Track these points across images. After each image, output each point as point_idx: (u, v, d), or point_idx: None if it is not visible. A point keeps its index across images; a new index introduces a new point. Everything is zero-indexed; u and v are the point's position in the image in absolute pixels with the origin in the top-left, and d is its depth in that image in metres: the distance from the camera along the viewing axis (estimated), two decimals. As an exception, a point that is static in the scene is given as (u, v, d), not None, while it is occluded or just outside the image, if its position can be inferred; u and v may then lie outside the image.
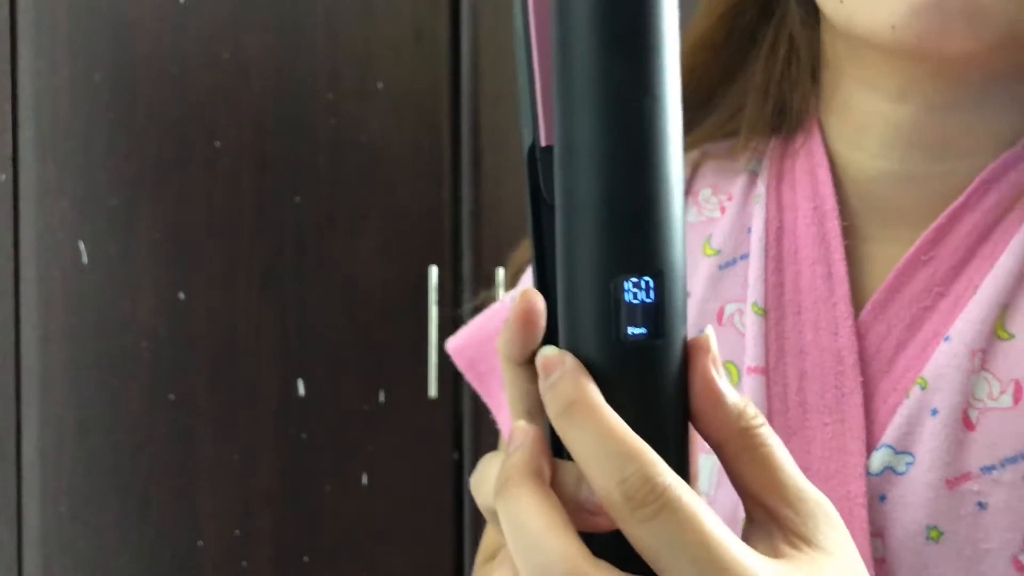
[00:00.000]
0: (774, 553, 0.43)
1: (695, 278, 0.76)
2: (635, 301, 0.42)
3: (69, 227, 1.17)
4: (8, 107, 1.15)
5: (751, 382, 0.71)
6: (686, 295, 0.44)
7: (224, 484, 1.23)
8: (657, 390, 0.43)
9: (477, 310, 0.92)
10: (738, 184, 0.78)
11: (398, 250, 1.26)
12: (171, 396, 1.21)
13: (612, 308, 0.42)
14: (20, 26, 1.16)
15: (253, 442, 1.23)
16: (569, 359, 0.43)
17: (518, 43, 0.47)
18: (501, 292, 0.86)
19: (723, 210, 0.78)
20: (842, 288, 0.71)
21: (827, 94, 0.76)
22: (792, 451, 0.67)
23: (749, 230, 0.76)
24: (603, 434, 0.41)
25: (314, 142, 1.23)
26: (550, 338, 0.45)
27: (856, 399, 0.69)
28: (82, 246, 1.18)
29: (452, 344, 0.88)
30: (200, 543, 1.22)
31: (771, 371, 0.71)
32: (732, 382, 0.72)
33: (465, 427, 1.27)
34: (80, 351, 1.18)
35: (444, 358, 1.23)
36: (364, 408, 1.26)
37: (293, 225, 1.23)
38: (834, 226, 0.73)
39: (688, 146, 0.81)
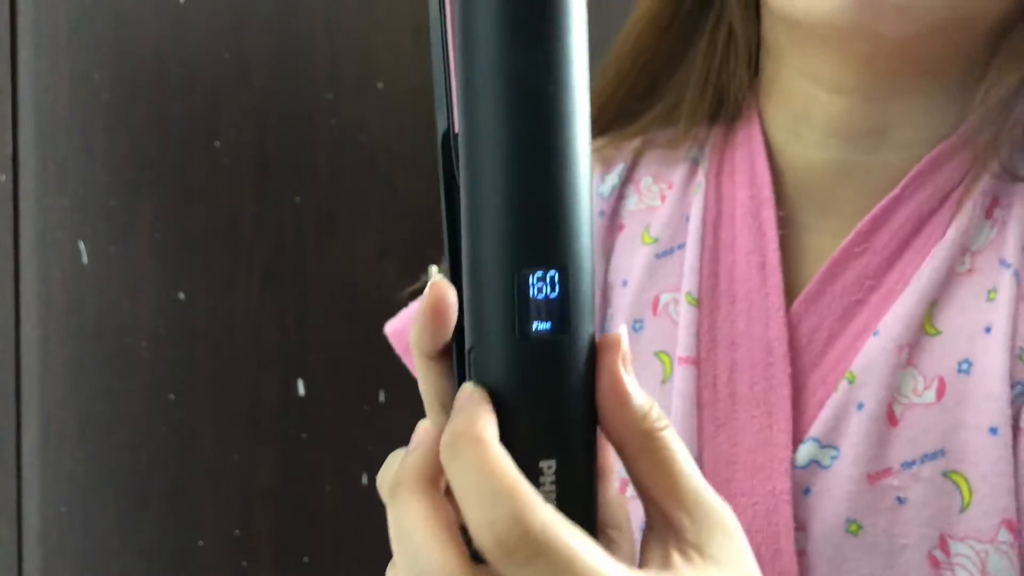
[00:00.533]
0: (665, 563, 0.42)
1: (632, 267, 0.76)
2: (539, 296, 0.41)
3: (69, 227, 1.17)
4: (8, 107, 1.15)
5: (682, 372, 0.70)
6: (594, 290, 0.43)
7: (224, 484, 1.23)
8: (562, 387, 0.42)
9: (415, 294, 0.94)
10: (679, 173, 0.78)
11: (398, 250, 1.26)
12: (171, 396, 1.21)
13: (516, 302, 0.41)
14: (20, 26, 1.16)
15: (253, 442, 1.23)
16: (474, 392, 0.42)
17: (433, 28, 0.46)
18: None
19: (663, 199, 0.78)
20: (775, 278, 0.71)
21: (766, 83, 0.76)
22: (720, 443, 0.69)
23: (688, 219, 0.75)
24: (478, 469, 0.40)
25: (314, 142, 1.23)
26: (461, 331, 0.44)
27: (784, 391, 0.69)
28: (82, 246, 1.18)
29: (390, 327, 0.89)
30: (200, 543, 1.22)
31: (702, 361, 0.71)
32: (665, 372, 0.72)
33: (465, 427, 1.27)
34: (80, 351, 1.18)
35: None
36: (364, 408, 1.26)
37: (293, 225, 1.23)
38: (769, 215, 0.73)
39: (632, 134, 0.81)
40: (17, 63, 1.16)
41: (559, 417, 0.42)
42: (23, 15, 1.16)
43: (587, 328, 0.42)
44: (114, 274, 1.19)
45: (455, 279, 0.45)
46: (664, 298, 0.74)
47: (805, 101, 0.72)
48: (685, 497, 0.43)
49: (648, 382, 0.73)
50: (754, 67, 0.77)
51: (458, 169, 0.44)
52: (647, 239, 0.76)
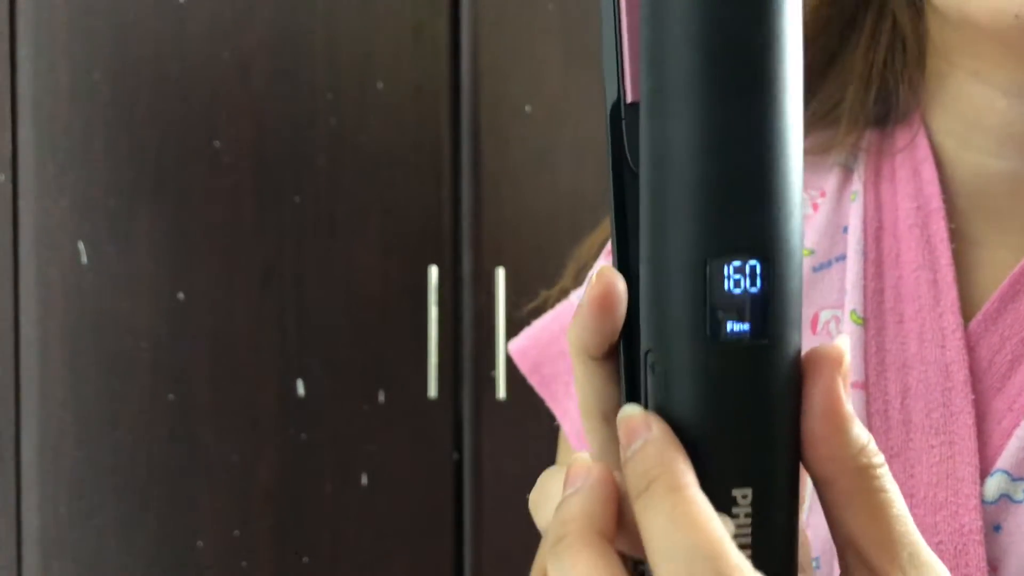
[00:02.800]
0: None
1: None
2: (736, 290, 0.34)
3: (68, 227, 1.17)
4: (7, 107, 1.15)
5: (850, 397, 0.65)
6: (801, 291, 0.36)
7: (224, 484, 1.23)
8: (762, 402, 0.35)
9: (535, 312, 0.85)
10: (831, 180, 0.71)
11: (398, 250, 1.26)
12: (171, 396, 1.20)
13: (707, 297, 0.34)
14: (19, 26, 1.16)
15: (253, 442, 1.23)
16: (656, 425, 0.36)
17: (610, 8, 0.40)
18: (573, 293, 0.80)
19: (815, 207, 0.71)
20: (950, 296, 0.65)
21: (933, 86, 0.70)
22: (894, 475, 0.60)
23: (845, 229, 0.69)
24: (678, 522, 0.35)
25: (314, 142, 1.23)
26: (630, 330, 0.38)
27: (967, 419, 0.62)
28: (81, 246, 1.18)
29: (515, 346, 0.80)
30: (200, 543, 1.22)
31: (871, 386, 0.64)
32: None
33: (465, 427, 1.27)
34: (79, 351, 1.18)
35: (443, 358, 1.23)
36: (364, 408, 1.25)
37: (293, 225, 1.23)
38: (940, 228, 0.67)
39: None
40: (16, 63, 1.16)
41: (759, 438, 0.35)
42: (23, 15, 1.16)
43: (794, 334, 0.36)
44: (114, 274, 1.19)
45: (623, 270, 0.38)
46: (824, 315, 0.68)
47: (978, 105, 0.66)
48: (900, 550, 0.37)
49: None
50: (922, 66, 0.70)
51: (629, 143, 0.38)
52: (803, 251, 0.71)
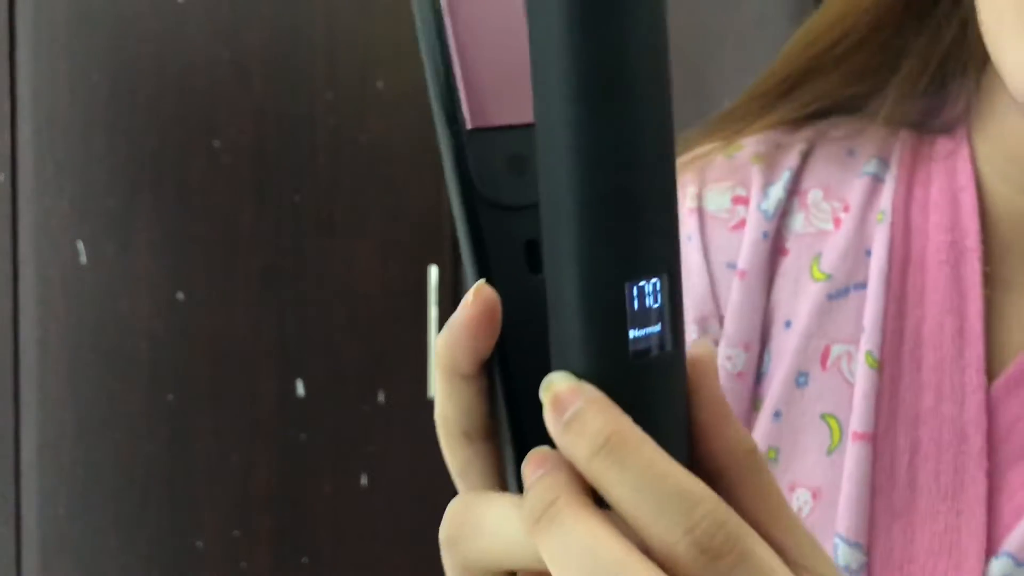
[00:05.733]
0: None
1: (798, 305, 0.63)
2: (644, 307, 0.36)
3: (68, 227, 1.17)
4: (7, 107, 1.15)
5: (856, 450, 0.59)
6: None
7: (224, 484, 1.22)
8: (670, 410, 0.37)
9: None
10: (857, 190, 0.64)
11: (398, 250, 1.26)
12: (171, 396, 1.20)
13: (619, 315, 0.35)
14: (19, 26, 1.16)
15: (253, 442, 1.23)
16: (588, 388, 0.35)
17: (421, 10, 0.40)
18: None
19: (837, 223, 0.64)
20: (975, 349, 0.59)
21: (984, 104, 0.63)
22: (894, 537, 0.58)
23: (868, 253, 0.63)
24: (659, 472, 0.34)
25: (314, 142, 1.23)
26: (504, 347, 0.38)
27: (979, 490, 0.58)
28: (81, 246, 1.18)
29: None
30: (200, 543, 1.22)
31: (879, 439, 0.60)
32: (832, 440, 0.61)
33: (465, 427, 1.27)
34: (79, 351, 1.18)
35: (444, 358, 1.23)
36: (364, 408, 1.25)
37: (293, 225, 1.23)
38: (974, 270, 0.60)
39: (804, 117, 0.67)
40: (16, 63, 1.16)
41: (673, 443, 0.36)
42: (22, 15, 1.16)
43: (686, 342, 0.37)
44: (113, 274, 1.19)
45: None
46: (836, 350, 0.62)
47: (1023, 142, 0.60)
48: (789, 518, 0.38)
49: (810, 449, 0.61)
50: (979, 78, 0.63)
51: (476, 169, 0.39)
52: (817, 274, 0.63)
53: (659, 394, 0.36)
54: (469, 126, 0.39)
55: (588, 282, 0.36)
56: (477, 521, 0.38)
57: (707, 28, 1.42)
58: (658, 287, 0.36)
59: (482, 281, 0.38)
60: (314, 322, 1.24)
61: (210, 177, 1.21)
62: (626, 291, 0.35)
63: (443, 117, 0.39)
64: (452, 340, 0.38)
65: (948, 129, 0.64)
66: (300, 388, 1.24)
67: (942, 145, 0.64)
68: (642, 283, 0.36)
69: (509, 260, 0.39)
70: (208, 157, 1.20)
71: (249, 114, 1.21)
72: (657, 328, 0.36)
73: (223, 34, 1.20)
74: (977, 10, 0.56)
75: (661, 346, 0.36)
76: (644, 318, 0.36)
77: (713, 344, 0.62)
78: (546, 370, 0.37)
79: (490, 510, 0.38)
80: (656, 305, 0.36)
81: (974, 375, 0.59)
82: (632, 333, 0.36)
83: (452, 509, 0.40)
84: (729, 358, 0.62)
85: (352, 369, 1.25)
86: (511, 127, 0.40)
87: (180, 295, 1.20)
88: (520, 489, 0.37)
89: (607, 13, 0.35)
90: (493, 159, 0.39)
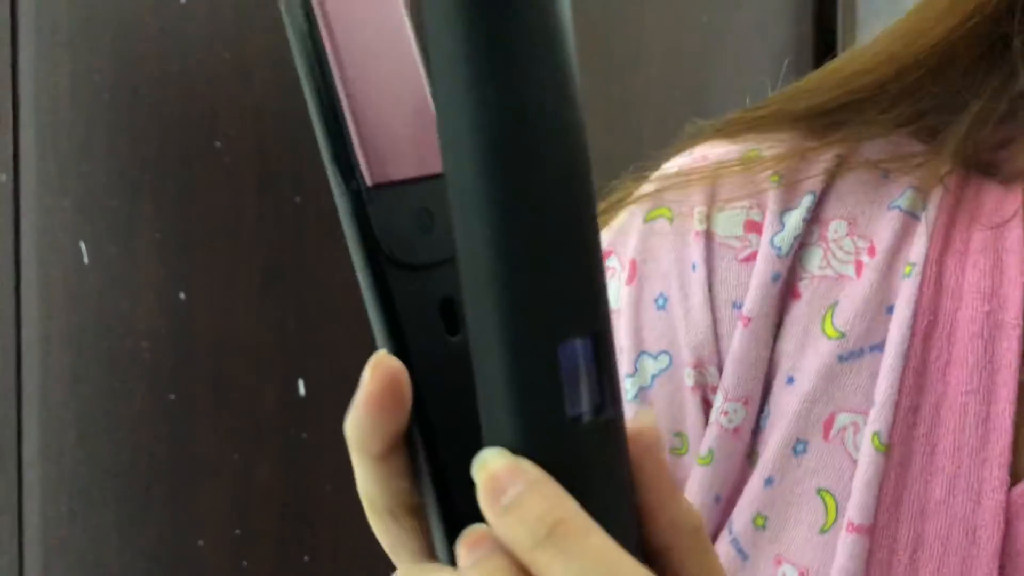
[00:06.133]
0: None
1: (804, 361, 0.56)
2: (578, 368, 0.33)
3: (70, 227, 1.17)
4: (9, 107, 1.15)
5: (851, 542, 0.53)
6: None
7: (224, 484, 1.23)
8: (615, 479, 0.34)
9: None
10: (887, 228, 0.56)
11: (398, 250, 1.26)
12: (171, 396, 1.21)
13: (553, 379, 0.32)
14: (21, 26, 1.16)
15: (253, 442, 1.23)
16: (528, 467, 0.32)
17: (304, 63, 0.37)
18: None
19: (859, 268, 0.56)
20: (1001, 442, 0.52)
21: None
22: None
23: (890, 310, 0.55)
24: (607, 564, 0.32)
25: (314, 142, 1.23)
26: (421, 419, 0.35)
27: None
28: (83, 246, 1.18)
29: None
30: (200, 543, 1.22)
31: (878, 530, 0.53)
32: (827, 518, 0.55)
33: (465, 427, 1.27)
34: (81, 351, 1.18)
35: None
36: (364, 408, 1.26)
37: (293, 225, 1.23)
38: (1012, 348, 0.53)
39: (835, 140, 0.58)
40: (18, 63, 1.16)
41: (620, 520, 0.34)
42: (24, 15, 1.16)
43: (623, 405, 0.34)
44: (115, 274, 1.19)
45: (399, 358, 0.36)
46: (842, 419, 0.55)
47: None
48: None
49: (802, 524, 0.55)
50: None
51: (379, 227, 0.36)
52: (830, 330, 0.56)
53: (602, 463, 0.33)
54: (369, 183, 0.36)
55: (515, 346, 0.33)
56: None
57: (707, 28, 1.42)
58: (590, 347, 0.33)
59: (381, 352, 0.36)
60: (316, 322, 1.24)
61: (212, 178, 1.21)
62: (558, 353, 0.33)
63: (339, 175, 0.37)
64: (357, 420, 0.35)
65: (1006, 178, 0.56)
66: (301, 388, 1.24)
67: (994, 195, 0.56)
68: (574, 343, 0.33)
69: (424, 324, 0.37)
70: (210, 158, 1.20)
71: (251, 115, 1.21)
72: (595, 391, 0.33)
73: (225, 35, 1.20)
74: None
75: (599, 411, 0.33)
76: (578, 381, 0.33)
77: (710, 392, 0.57)
78: (475, 439, 0.34)
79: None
80: (590, 366, 0.33)
81: (996, 471, 0.52)
82: (568, 397, 0.33)
83: None
84: (725, 413, 0.56)
85: (353, 369, 1.25)
86: (413, 180, 0.37)
87: (182, 295, 1.20)
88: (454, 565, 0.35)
89: (513, 59, 0.32)
90: (398, 216, 0.36)
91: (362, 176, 0.36)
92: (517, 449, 0.33)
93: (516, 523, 0.33)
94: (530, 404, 0.33)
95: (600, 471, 0.33)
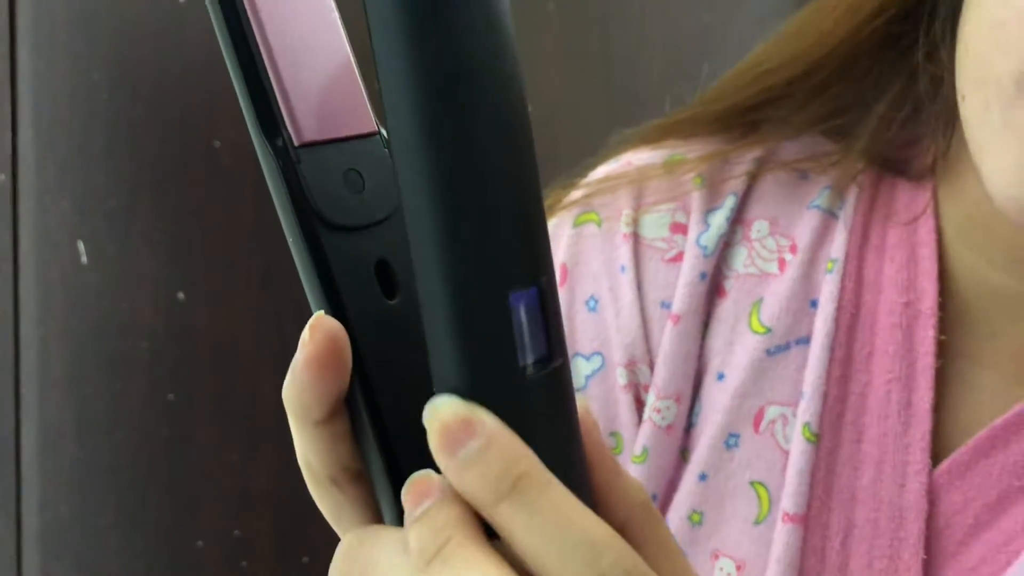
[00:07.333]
0: None
1: (733, 357, 0.58)
2: (531, 320, 0.32)
3: (68, 227, 1.17)
4: (7, 107, 1.15)
5: (786, 532, 0.54)
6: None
7: (224, 484, 1.23)
8: (568, 430, 0.33)
9: None
10: (806, 227, 0.58)
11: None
12: (171, 396, 1.21)
13: (504, 328, 0.32)
14: (19, 26, 1.16)
15: (253, 442, 1.23)
16: (485, 417, 0.32)
17: (221, 18, 0.36)
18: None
19: (782, 265, 0.58)
20: (922, 426, 0.54)
21: (952, 163, 0.57)
22: None
23: (813, 304, 0.57)
24: (567, 517, 0.32)
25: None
26: (364, 382, 0.35)
27: None
28: (81, 246, 1.18)
29: None
30: (200, 543, 1.22)
31: (811, 519, 0.55)
32: (760, 510, 0.56)
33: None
34: (80, 351, 1.18)
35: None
36: (364, 408, 1.26)
37: (293, 225, 1.23)
38: (928, 337, 0.55)
39: (750, 143, 0.60)
40: (16, 63, 1.16)
41: (573, 470, 0.33)
42: (22, 15, 1.16)
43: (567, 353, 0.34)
44: (114, 274, 1.19)
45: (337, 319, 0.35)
46: (771, 412, 0.56)
47: (991, 211, 0.53)
48: (691, 574, 0.36)
49: (736, 517, 0.56)
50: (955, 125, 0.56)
51: (308, 187, 0.35)
52: (756, 325, 0.57)
53: (555, 411, 0.33)
54: (296, 141, 0.35)
55: (465, 297, 0.32)
56: (369, 558, 0.35)
57: (707, 28, 1.42)
58: (535, 295, 0.32)
59: (319, 313, 0.34)
60: (314, 322, 1.24)
61: (210, 177, 1.21)
62: (509, 301, 0.32)
63: (263, 134, 0.35)
64: (297, 384, 0.34)
65: (917, 175, 0.58)
66: (300, 388, 1.24)
67: (905, 191, 0.58)
68: (523, 292, 0.32)
69: (360, 287, 0.36)
70: (208, 157, 1.20)
71: (249, 114, 1.21)
72: (543, 339, 0.33)
73: (223, 34, 1.20)
74: (958, 92, 0.49)
75: (549, 359, 0.33)
76: (529, 329, 0.32)
77: (642, 391, 0.58)
78: (417, 402, 0.33)
79: (383, 548, 0.35)
80: (538, 314, 0.33)
81: (918, 454, 0.54)
82: (519, 346, 0.32)
83: (345, 545, 0.37)
84: (658, 410, 0.57)
85: (352, 369, 1.25)
86: (341, 139, 0.36)
87: (181, 295, 1.20)
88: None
89: (450, 8, 0.32)
90: (328, 177, 0.35)
91: (288, 134, 0.35)
92: (469, 397, 0.32)
93: (477, 478, 0.32)
94: (481, 353, 0.32)
95: (553, 420, 0.33)
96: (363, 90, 0.38)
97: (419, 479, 0.33)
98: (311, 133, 0.35)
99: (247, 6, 0.36)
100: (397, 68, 0.33)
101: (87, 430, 1.19)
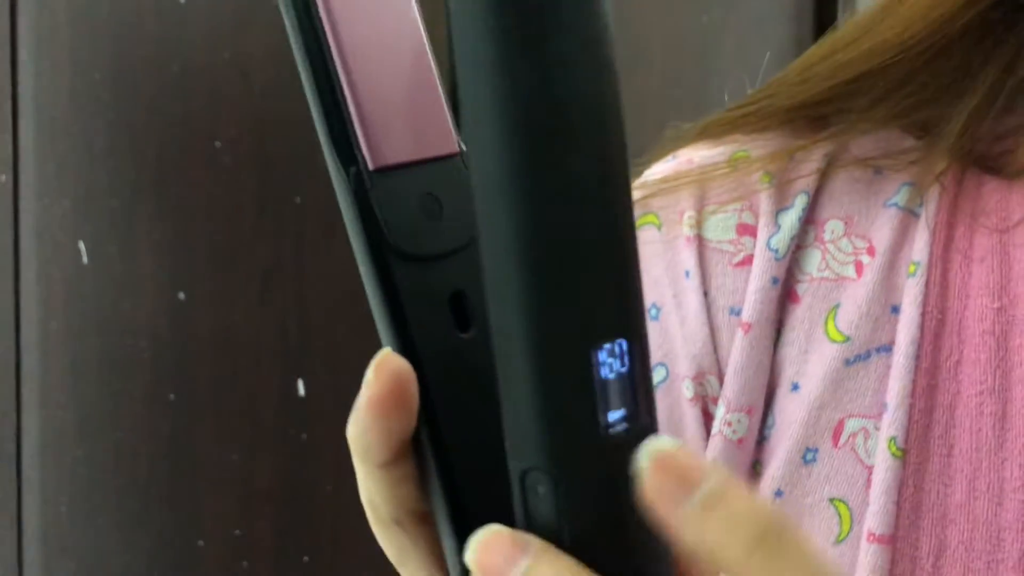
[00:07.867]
0: None
1: (808, 367, 0.54)
2: (611, 375, 0.30)
3: (69, 227, 1.17)
4: (8, 107, 1.15)
5: (873, 552, 0.51)
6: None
7: (224, 484, 1.23)
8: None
9: None
10: (885, 227, 0.54)
11: (398, 250, 1.26)
12: (171, 396, 1.21)
13: (590, 386, 0.29)
14: (20, 26, 1.16)
15: (253, 442, 1.23)
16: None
17: (300, 37, 0.35)
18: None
19: (859, 269, 0.54)
20: (1020, 440, 0.50)
21: None
22: None
23: (895, 309, 0.53)
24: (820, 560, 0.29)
25: (314, 142, 1.23)
26: (431, 423, 0.33)
27: None
28: (82, 246, 1.18)
29: None
30: (200, 543, 1.22)
31: (899, 539, 0.51)
32: (841, 528, 0.53)
33: (465, 427, 1.27)
34: (80, 351, 1.18)
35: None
36: (364, 408, 1.26)
37: (293, 225, 1.23)
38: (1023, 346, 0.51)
39: (824, 138, 0.56)
40: (17, 63, 1.16)
41: (655, 540, 0.31)
42: (23, 15, 1.16)
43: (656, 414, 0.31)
44: (114, 274, 1.19)
45: (407, 357, 0.33)
46: (852, 425, 0.53)
47: None
48: None
49: (815, 536, 0.53)
50: None
51: (383, 213, 0.32)
52: (834, 333, 0.54)
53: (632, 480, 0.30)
54: (371, 166, 0.33)
55: (546, 350, 0.29)
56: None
57: (707, 28, 1.42)
58: (625, 348, 0.30)
59: (386, 350, 0.32)
60: (315, 322, 1.24)
61: (211, 178, 1.21)
62: (591, 358, 0.29)
63: (338, 159, 0.33)
64: (360, 425, 0.33)
65: (1007, 177, 0.54)
66: (301, 388, 1.24)
67: (995, 191, 0.53)
68: (609, 347, 0.30)
69: (433, 320, 0.34)
70: (209, 158, 1.20)
71: (251, 115, 1.21)
72: (630, 399, 0.30)
73: (225, 35, 1.20)
74: None
75: (634, 420, 0.30)
76: (613, 388, 0.30)
77: (710, 403, 0.55)
78: (488, 442, 0.31)
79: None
80: (626, 372, 0.30)
81: (1016, 470, 0.50)
82: (602, 405, 0.30)
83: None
84: (729, 424, 0.54)
85: (352, 369, 1.25)
86: (418, 163, 0.34)
87: (182, 295, 1.20)
88: None
89: (546, 33, 0.29)
90: (403, 203, 0.33)
91: (363, 158, 0.33)
92: (547, 459, 0.30)
93: (721, 522, 0.29)
94: (561, 412, 0.30)
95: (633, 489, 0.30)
96: (446, 107, 0.35)
97: (492, 535, 0.30)
98: (388, 157, 0.33)
99: (326, 21, 0.34)
100: (485, 98, 0.29)
101: (88, 430, 1.19)
